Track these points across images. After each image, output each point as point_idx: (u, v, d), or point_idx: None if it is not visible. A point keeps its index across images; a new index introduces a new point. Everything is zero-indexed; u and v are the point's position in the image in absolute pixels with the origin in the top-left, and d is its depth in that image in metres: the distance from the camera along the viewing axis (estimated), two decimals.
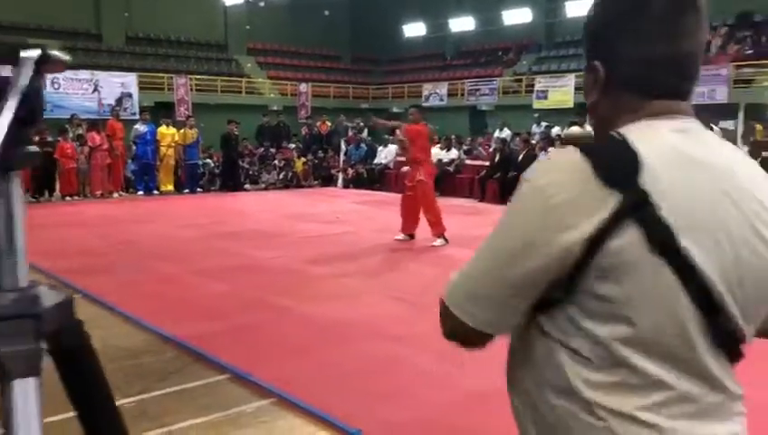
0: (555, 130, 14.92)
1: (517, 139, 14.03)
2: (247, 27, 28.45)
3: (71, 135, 12.55)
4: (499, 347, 1.09)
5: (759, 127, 14.35)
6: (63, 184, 12.24)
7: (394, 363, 4.13)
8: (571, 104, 20.38)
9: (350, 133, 16.16)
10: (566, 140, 12.25)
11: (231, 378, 3.91)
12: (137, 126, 13.49)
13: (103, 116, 17.03)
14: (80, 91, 20.37)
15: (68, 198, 12.25)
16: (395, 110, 27.26)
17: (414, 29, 28.26)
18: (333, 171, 15.61)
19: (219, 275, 6.45)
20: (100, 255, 7.48)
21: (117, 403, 0.83)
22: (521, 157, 12.52)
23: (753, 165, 0.99)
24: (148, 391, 3.66)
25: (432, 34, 28.15)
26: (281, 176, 15.06)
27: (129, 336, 4.66)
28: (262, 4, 27.53)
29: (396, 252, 7.85)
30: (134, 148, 13.35)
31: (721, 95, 18.39)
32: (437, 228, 7.95)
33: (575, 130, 12.37)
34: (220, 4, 27.26)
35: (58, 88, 20.38)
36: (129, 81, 21.58)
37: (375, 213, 11.06)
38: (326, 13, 30.71)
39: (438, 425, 3.31)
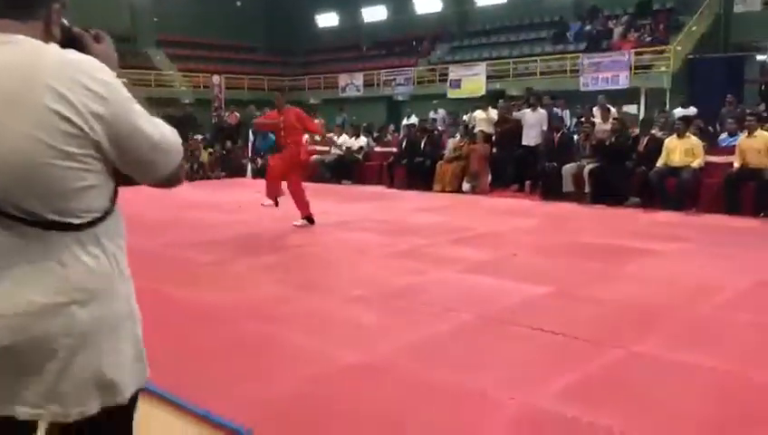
0: (465, 117, 15.03)
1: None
2: (155, 19, 27.56)
3: None
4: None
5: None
6: None
7: (266, 343, 3.97)
8: (483, 92, 20.65)
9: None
10: (469, 124, 12.37)
11: None
12: None
13: None
14: None
15: None
16: (312, 101, 27.05)
17: (328, 19, 28.02)
18: (243, 161, 15.27)
19: None
20: None
21: None
22: (423, 143, 12.56)
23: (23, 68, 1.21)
24: None
25: (346, 24, 27.99)
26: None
27: None
28: None
29: (293, 237, 7.67)
30: None
31: (623, 81, 19.05)
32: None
33: (478, 113, 12.53)
34: None
35: None
36: None
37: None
38: (238, 3, 30.09)
39: (311, 398, 3.19)
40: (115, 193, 1.36)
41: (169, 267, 6.04)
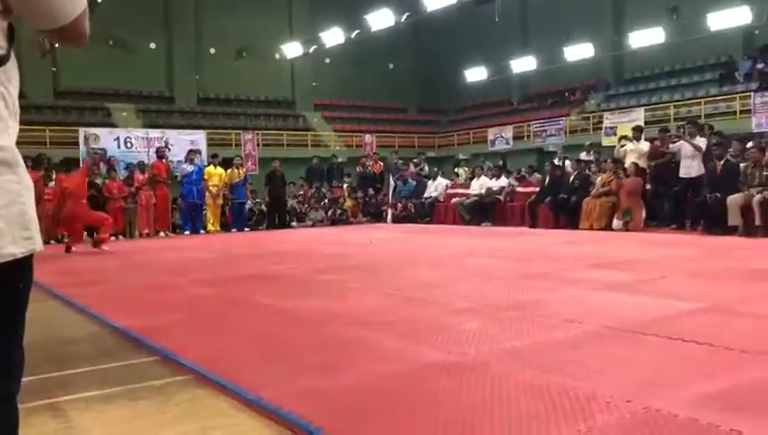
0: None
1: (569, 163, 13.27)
2: (314, 84, 29.13)
3: (119, 176, 12.79)
4: None
5: None
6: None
7: (351, 344, 3.57)
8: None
9: (410, 168, 15.86)
10: (617, 157, 11.44)
11: (159, 359, 3.48)
12: (183, 166, 13.56)
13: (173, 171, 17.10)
14: (150, 149, 21.21)
15: (113, 238, 12.31)
16: (461, 156, 26.89)
17: (476, 73, 27.79)
18: (383, 208, 15.24)
19: (213, 283, 6.11)
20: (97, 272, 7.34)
21: None
22: (572, 177, 11.76)
23: None
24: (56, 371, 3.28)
25: (495, 77, 27.69)
26: (329, 213, 14.80)
27: (78, 328, 4.33)
28: (327, 60, 28.22)
29: (411, 262, 7.28)
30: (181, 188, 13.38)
31: None
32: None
33: (628, 145, 11.57)
34: (287, 64, 28.05)
35: (130, 147, 21.43)
36: (199, 138, 22.32)
37: (410, 238, 10.60)
38: (391, 66, 31.07)
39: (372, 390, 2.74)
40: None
41: (285, 285, 5.90)
